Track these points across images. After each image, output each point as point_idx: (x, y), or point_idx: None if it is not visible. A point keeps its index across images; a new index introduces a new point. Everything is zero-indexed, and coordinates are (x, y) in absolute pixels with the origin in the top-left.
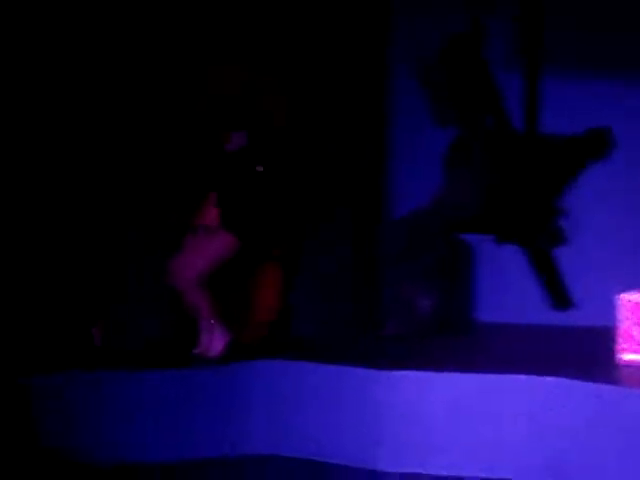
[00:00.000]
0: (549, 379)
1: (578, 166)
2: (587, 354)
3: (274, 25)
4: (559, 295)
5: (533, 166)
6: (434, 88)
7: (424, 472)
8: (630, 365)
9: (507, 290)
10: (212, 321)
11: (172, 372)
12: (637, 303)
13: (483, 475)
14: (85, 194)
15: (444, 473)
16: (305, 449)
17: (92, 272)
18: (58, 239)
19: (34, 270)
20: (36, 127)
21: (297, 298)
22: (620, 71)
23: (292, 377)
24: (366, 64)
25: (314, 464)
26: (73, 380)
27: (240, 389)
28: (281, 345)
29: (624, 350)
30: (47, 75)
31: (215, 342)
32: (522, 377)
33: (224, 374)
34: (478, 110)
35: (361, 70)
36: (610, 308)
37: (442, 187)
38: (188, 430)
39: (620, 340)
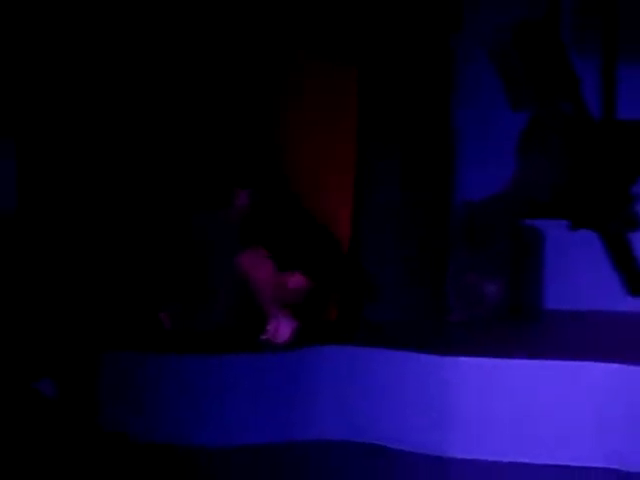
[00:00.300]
0: (618, 366)
1: None
2: None
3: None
4: (634, 281)
5: (609, 151)
6: (508, 71)
7: (490, 459)
8: None
9: (576, 276)
10: (280, 308)
11: (240, 356)
12: None
13: (550, 462)
14: (152, 180)
15: (510, 460)
16: (371, 434)
17: (161, 257)
18: (128, 226)
19: (106, 255)
20: (100, 119)
21: (364, 285)
22: None
23: (359, 363)
24: (434, 47)
25: (380, 449)
26: (142, 363)
27: (307, 374)
28: (349, 331)
29: None
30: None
31: (282, 328)
32: (591, 364)
33: (292, 359)
34: (555, 94)
35: (428, 52)
36: None
37: (515, 172)
38: (254, 414)
39: None
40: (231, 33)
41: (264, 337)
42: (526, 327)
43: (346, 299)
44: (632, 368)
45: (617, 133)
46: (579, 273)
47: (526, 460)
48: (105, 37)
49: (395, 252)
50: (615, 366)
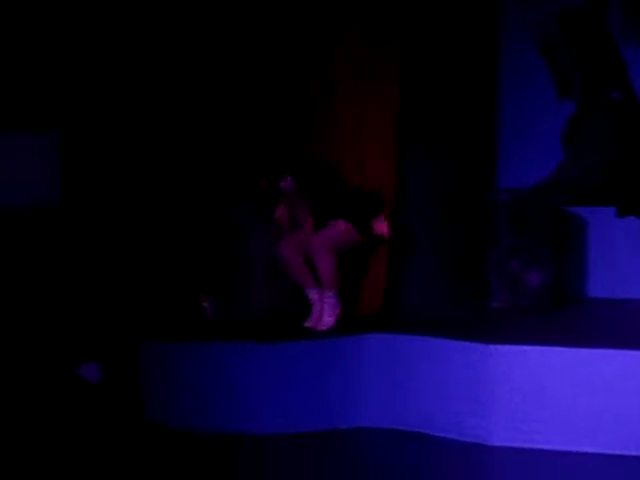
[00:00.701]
0: None
1: None
2: None
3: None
4: None
5: None
6: (555, 60)
7: (533, 447)
8: None
9: (620, 265)
10: (327, 293)
11: (282, 345)
12: None
13: (592, 450)
14: (193, 172)
15: (551, 447)
16: (413, 422)
17: (202, 247)
18: (171, 217)
19: (150, 246)
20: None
21: (407, 273)
22: None
23: (401, 351)
24: (479, 31)
25: (422, 436)
26: (184, 352)
27: (350, 362)
28: (392, 319)
29: None
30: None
31: (326, 315)
32: (635, 353)
33: (334, 347)
34: (602, 82)
35: (474, 41)
36: None
37: (561, 159)
38: (296, 402)
39: None
40: (275, 15)
41: (308, 324)
42: (569, 315)
43: (392, 258)
44: None
45: None
46: (623, 261)
47: (568, 448)
48: (149, 32)
49: (437, 239)
50: None
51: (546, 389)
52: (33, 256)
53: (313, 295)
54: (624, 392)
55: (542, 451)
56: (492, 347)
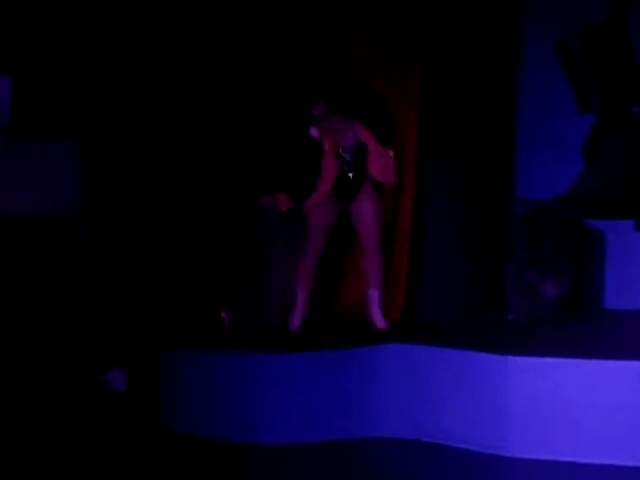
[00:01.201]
0: None
1: None
2: None
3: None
4: None
5: None
6: (576, 73)
7: (551, 458)
8: None
9: (636, 277)
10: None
11: (301, 355)
12: None
13: (609, 462)
14: (211, 182)
15: (570, 459)
16: (431, 433)
17: (221, 257)
18: (190, 227)
19: (171, 258)
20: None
21: (424, 283)
22: None
23: (420, 361)
24: (499, 48)
25: (440, 447)
26: (203, 361)
27: (368, 372)
28: (410, 329)
29: None
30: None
31: (379, 315)
32: None
33: (352, 357)
34: (622, 96)
35: (494, 54)
36: None
37: (581, 171)
38: (314, 412)
39: None
40: (295, 13)
41: (291, 328)
42: (586, 326)
43: (411, 268)
44: None
45: None
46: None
47: (585, 460)
48: (166, 40)
49: (455, 250)
50: None
51: (563, 401)
52: (53, 265)
53: (300, 293)
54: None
55: (560, 463)
56: (509, 358)
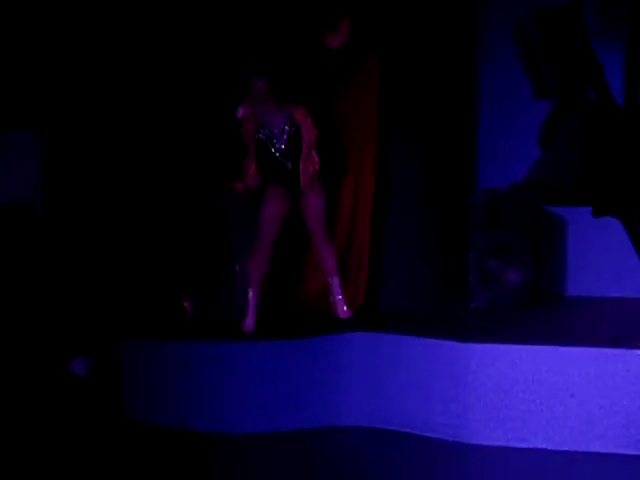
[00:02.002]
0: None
1: None
2: None
3: None
4: None
5: (632, 138)
6: (531, 60)
7: (511, 445)
8: None
9: (597, 263)
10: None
11: (265, 343)
12: None
13: (571, 448)
14: (171, 169)
15: (532, 446)
16: (395, 421)
17: (185, 246)
18: (154, 218)
19: (133, 247)
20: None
21: (387, 273)
22: None
23: (383, 349)
24: (459, 38)
25: (404, 435)
26: (163, 349)
27: (332, 361)
28: (373, 318)
29: None
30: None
31: (343, 304)
32: (612, 351)
33: (317, 346)
34: (578, 82)
35: (454, 43)
36: None
37: (538, 159)
38: (279, 401)
39: None
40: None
41: (246, 329)
42: (548, 313)
43: (373, 257)
44: None
45: None
46: (602, 260)
47: (546, 446)
48: (131, 29)
49: (418, 239)
50: (638, 352)
51: (526, 387)
52: (15, 254)
53: (252, 293)
54: (602, 390)
55: (522, 450)
56: (472, 346)
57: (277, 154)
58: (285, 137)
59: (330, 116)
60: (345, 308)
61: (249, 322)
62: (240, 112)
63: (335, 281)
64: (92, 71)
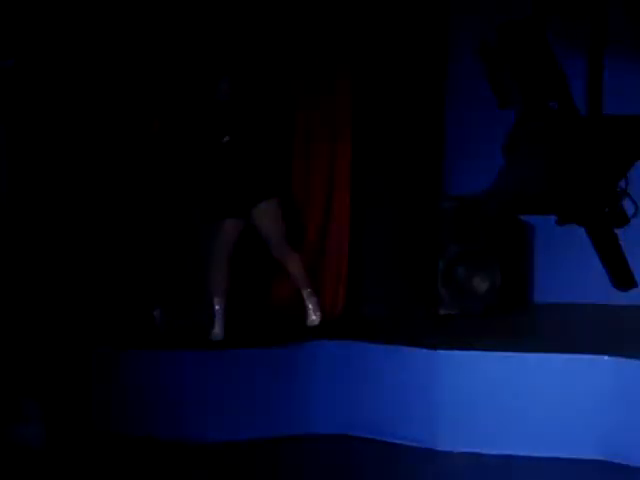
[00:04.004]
0: (607, 359)
1: None
2: None
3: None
4: (620, 275)
5: (596, 147)
6: (495, 70)
7: (482, 452)
8: None
9: (566, 270)
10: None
11: (234, 352)
12: None
13: (539, 454)
14: (142, 179)
15: (498, 452)
16: (364, 428)
17: (152, 260)
18: (121, 224)
19: (99, 253)
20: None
21: (359, 281)
22: None
23: (352, 357)
24: (427, 48)
25: (373, 442)
26: (134, 359)
27: (301, 369)
28: (342, 326)
29: None
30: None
31: (315, 313)
32: (579, 357)
33: (286, 354)
34: (541, 92)
35: (422, 53)
36: None
37: (502, 168)
38: (249, 409)
39: None
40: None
41: (214, 337)
42: (516, 320)
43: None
44: (621, 360)
45: (604, 129)
46: (569, 267)
47: (515, 452)
48: (95, 27)
49: (386, 247)
50: (605, 358)
51: (494, 394)
52: None
53: (218, 304)
54: (571, 396)
55: (490, 456)
56: (441, 353)
57: None
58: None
59: (297, 129)
60: (314, 317)
61: (217, 330)
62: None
63: (308, 292)
64: (58, 66)
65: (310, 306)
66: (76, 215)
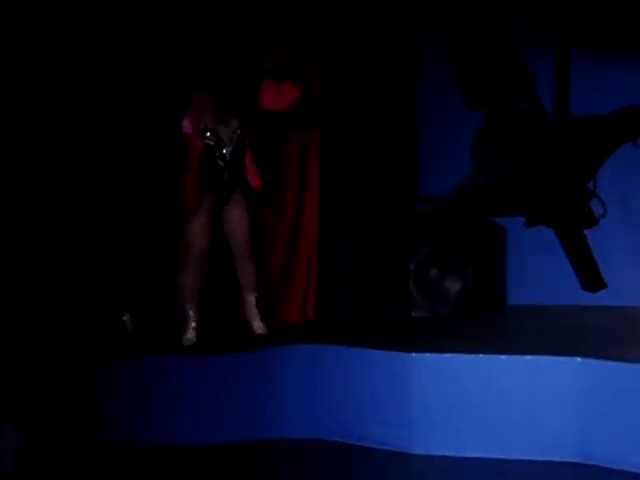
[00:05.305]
0: (580, 360)
1: (609, 147)
2: (620, 335)
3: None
4: (591, 277)
5: (564, 147)
6: (462, 71)
7: (456, 454)
8: None
9: (538, 272)
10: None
11: (204, 357)
12: None
13: (513, 457)
14: (108, 198)
15: (472, 455)
16: (336, 432)
17: (123, 266)
18: (89, 235)
19: (70, 267)
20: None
21: (330, 283)
22: None
23: (324, 361)
24: (398, 48)
25: (346, 447)
26: (106, 366)
27: (272, 373)
28: (315, 329)
29: None
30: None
31: (259, 320)
32: (552, 359)
33: (257, 359)
34: (508, 93)
35: (394, 54)
36: None
37: (472, 169)
38: (222, 414)
39: None
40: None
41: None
42: (488, 322)
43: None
44: (593, 362)
45: (571, 130)
46: (541, 269)
47: (488, 454)
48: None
49: (357, 249)
50: (577, 360)
51: (467, 396)
52: None
53: (189, 307)
54: (544, 399)
55: (466, 459)
56: (414, 356)
57: (220, 161)
58: (232, 145)
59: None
60: (262, 324)
61: (189, 336)
62: (188, 127)
63: (251, 298)
64: (22, 68)
65: (257, 314)
66: (40, 221)
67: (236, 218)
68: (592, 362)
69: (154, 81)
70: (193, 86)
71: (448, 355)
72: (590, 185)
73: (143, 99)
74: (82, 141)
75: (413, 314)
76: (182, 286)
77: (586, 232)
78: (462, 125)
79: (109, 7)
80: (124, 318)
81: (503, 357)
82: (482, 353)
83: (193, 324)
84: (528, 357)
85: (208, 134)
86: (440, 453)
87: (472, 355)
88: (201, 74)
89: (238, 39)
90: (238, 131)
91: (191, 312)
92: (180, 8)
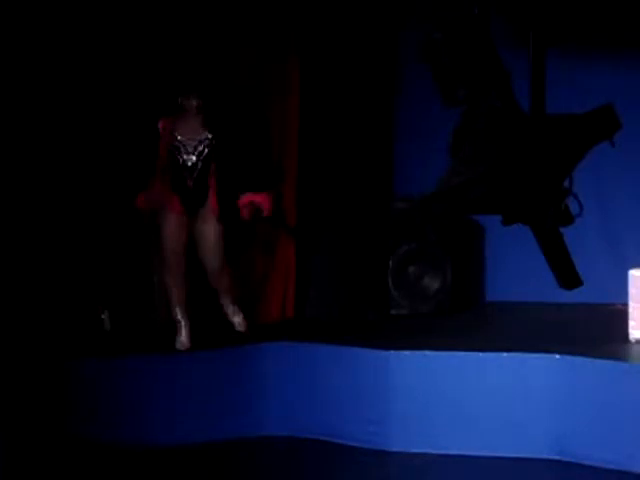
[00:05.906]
0: (559, 357)
1: (585, 145)
2: (597, 331)
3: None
4: (567, 274)
5: (540, 145)
6: (439, 68)
7: (435, 452)
8: None
9: (517, 269)
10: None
11: (182, 355)
12: None
13: (492, 454)
14: (90, 194)
15: (451, 452)
16: (316, 430)
17: (100, 264)
18: (69, 237)
19: (47, 265)
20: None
21: (309, 282)
22: (626, 50)
23: (302, 359)
24: (376, 46)
25: (324, 444)
26: (82, 365)
27: (251, 371)
28: (294, 327)
29: (635, 327)
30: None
31: (241, 319)
32: (532, 356)
33: (235, 356)
34: (484, 90)
35: (372, 51)
36: (620, 285)
37: (449, 168)
38: (201, 412)
39: (631, 317)
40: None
41: (181, 346)
42: (467, 320)
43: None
44: (571, 359)
45: (547, 128)
46: (520, 266)
47: (467, 452)
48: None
49: (335, 247)
50: (556, 357)
51: (446, 394)
52: None
53: (178, 315)
54: (522, 395)
55: (443, 456)
56: (392, 353)
57: (183, 167)
58: (197, 153)
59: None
60: (243, 321)
61: (184, 340)
62: (160, 124)
63: (227, 298)
64: (11, 69)
65: (239, 312)
66: (17, 220)
67: (204, 234)
68: (570, 359)
69: (143, 85)
70: (181, 92)
71: (426, 352)
72: (566, 183)
73: (131, 102)
74: (59, 140)
75: (392, 312)
76: (165, 286)
77: (562, 230)
78: (440, 123)
79: (98, 16)
80: (102, 316)
81: (482, 354)
82: (460, 350)
83: (185, 328)
84: (506, 354)
85: (179, 137)
86: (419, 450)
87: (450, 352)
88: (191, 80)
89: (223, 39)
90: (206, 142)
91: (179, 316)
92: (162, 14)
